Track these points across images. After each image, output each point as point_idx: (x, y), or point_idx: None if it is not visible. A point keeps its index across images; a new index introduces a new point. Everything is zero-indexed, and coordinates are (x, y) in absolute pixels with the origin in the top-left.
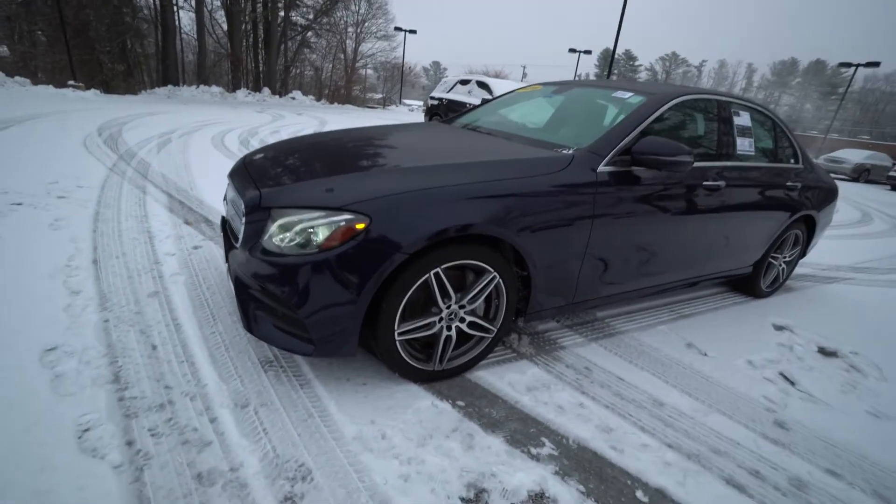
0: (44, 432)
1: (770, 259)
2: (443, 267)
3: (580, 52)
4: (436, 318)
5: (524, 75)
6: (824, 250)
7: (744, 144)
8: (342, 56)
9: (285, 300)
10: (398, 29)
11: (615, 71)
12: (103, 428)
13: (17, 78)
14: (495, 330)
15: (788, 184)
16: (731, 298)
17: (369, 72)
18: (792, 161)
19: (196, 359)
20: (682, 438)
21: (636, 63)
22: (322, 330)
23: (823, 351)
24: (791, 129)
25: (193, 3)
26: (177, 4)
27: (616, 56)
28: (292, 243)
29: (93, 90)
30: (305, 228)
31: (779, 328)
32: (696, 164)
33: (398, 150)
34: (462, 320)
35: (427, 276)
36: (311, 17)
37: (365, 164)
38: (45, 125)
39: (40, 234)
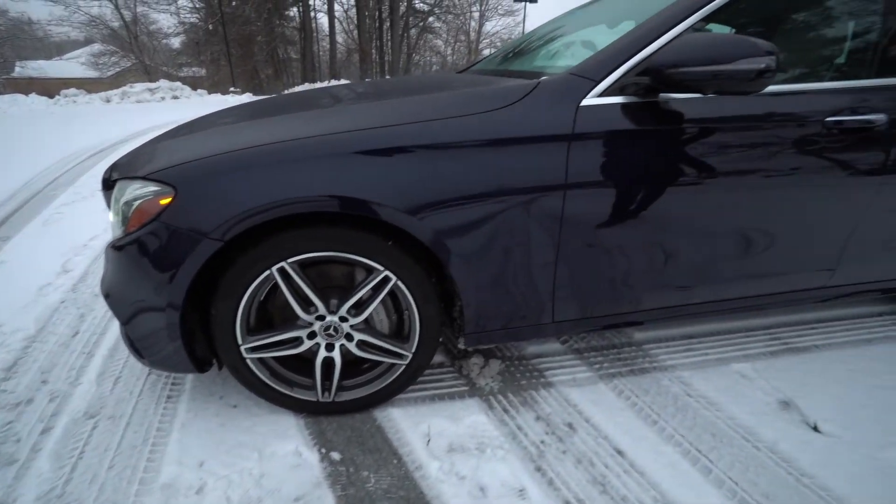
0: None
1: None
2: (294, 261)
3: None
4: (302, 333)
5: None
6: None
7: None
8: (463, 38)
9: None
10: (517, 0)
11: None
12: None
13: (199, 90)
14: (409, 355)
15: None
16: None
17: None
18: None
19: (99, 351)
20: None
21: None
22: (139, 336)
23: None
24: None
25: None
26: (314, 9)
27: None
28: (121, 230)
29: (247, 93)
30: (124, 207)
31: None
32: (819, 85)
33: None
34: (350, 338)
35: (268, 272)
36: (432, 1)
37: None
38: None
39: (97, 210)
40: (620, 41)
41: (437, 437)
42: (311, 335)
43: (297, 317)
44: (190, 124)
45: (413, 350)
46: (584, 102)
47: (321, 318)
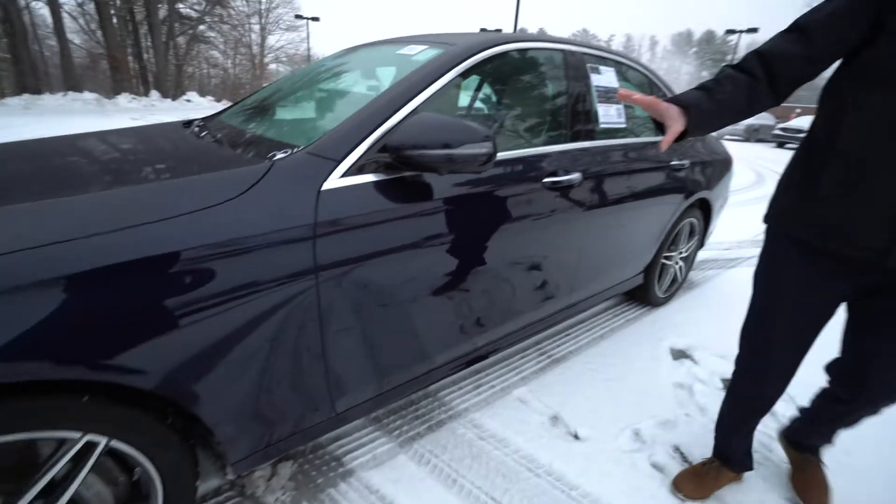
0: None
1: (663, 260)
2: None
3: (491, 31)
4: None
5: None
6: (725, 224)
7: (609, 114)
8: (245, 51)
9: None
10: (299, 17)
11: None
12: None
13: None
14: None
15: (674, 162)
16: (619, 315)
17: (280, 66)
18: None
19: None
20: None
21: None
22: None
23: None
24: (670, 88)
25: None
26: None
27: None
28: None
29: None
30: None
31: (678, 355)
32: (533, 151)
33: None
34: None
35: None
36: (202, 7)
37: None
38: None
39: None
40: (358, 116)
41: None
42: None
43: None
44: None
45: None
46: (326, 185)
47: None
